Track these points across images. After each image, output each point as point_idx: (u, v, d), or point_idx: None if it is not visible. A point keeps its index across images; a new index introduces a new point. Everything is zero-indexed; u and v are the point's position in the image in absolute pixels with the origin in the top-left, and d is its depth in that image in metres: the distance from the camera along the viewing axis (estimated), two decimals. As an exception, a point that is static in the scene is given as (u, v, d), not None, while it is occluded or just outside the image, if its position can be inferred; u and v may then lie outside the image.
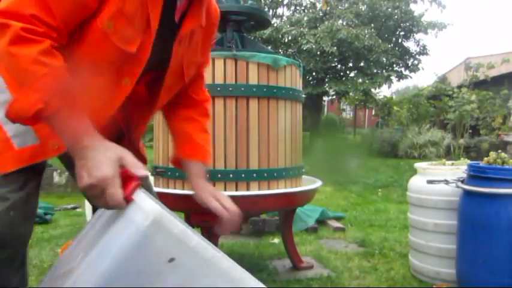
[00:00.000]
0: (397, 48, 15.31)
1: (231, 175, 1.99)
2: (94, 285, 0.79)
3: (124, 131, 1.22)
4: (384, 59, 14.06)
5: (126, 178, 0.85)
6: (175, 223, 0.83)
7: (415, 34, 15.51)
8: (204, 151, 1.28)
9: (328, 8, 13.98)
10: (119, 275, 0.80)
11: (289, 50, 13.75)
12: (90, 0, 0.89)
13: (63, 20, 0.86)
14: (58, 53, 0.85)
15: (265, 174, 2.04)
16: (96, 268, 0.81)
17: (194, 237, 0.85)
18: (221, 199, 1.16)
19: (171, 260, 0.82)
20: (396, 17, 14.91)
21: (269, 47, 4.12)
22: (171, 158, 1.34)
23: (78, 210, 4.10)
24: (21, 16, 0.79)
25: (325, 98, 17.97)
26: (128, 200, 0.83)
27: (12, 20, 0.79)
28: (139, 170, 0.81)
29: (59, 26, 0.85)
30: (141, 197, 0.84)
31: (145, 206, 0.82)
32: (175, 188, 2.03)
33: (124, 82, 1.00)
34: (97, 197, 0.81)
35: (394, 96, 17.85)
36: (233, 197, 1.22)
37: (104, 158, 0.80)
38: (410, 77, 22.96)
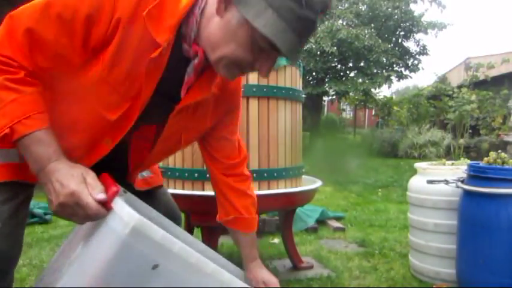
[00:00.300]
0: (397, 48, 15.32)
1: (231, 175, 1.99)
2: None
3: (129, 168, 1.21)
4: (384, 59, 14.07)
5: (108, 184, 0.84)
6: (156, 230, 0.81)
7: (415, 34, 15.53)
8: (250, 222, 1.26)
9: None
10: (102, 285, 0.79)
11: (289, 50, 13.72)
12: (74, 55, 0.88)
13: (41, 67, 0.87)
14: (34, 81, 0.87)
15: (265, 174, 2.04)
16: (78, 280, 0.80)
17: (177, 243, 0.84)
18: None
19: (155, 266, 0.81)
20: (396, 17, 14.92)
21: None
22: (218, 217, 1.30)
23: (78, 210, 4.10)
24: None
25: (325, 98, 17.98)
26: (107, 208, 0.81)
27: None
28: (97, 193, 0.80)
29: (34, 70, 0.86)
30: (119, 205, 0.82)
31: (123, 215, 0.80)
32: (175, 188, 2.03)
33: (105, 141, 0.99)
34: (72, 214, 0.81)
35: (394, 96, 17.86)
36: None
37: (69, 175, 0.81)
38: (410, 77, 23.00)
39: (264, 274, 1.22)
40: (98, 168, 0.99)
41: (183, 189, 2.01)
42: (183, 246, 0.84)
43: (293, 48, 0.88)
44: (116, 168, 1.01)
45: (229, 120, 1.21)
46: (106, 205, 0.81)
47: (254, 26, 0.83)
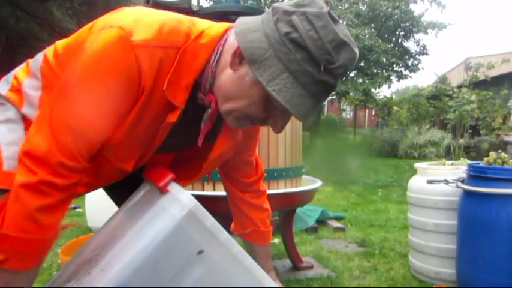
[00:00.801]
0: (397, 48, 15.32)
1: (231, 175, 1.99)
2: (123, 270, 0.81)
3: None
4: (384, 59, 14.08)
5: (163, 172, 0.89)
6: (208, 216, 0.85)
7: (415, 34, 15.53)
8: (266, 234, 1.28)
9: (328, 8, 13.97)
10: (148, 262, 0.82)
11: (289, 50, 13.71)
12: (106, 134, 0.87)
13: (85, 158, 0.86)
14: (61, 209, 0.86)
15: (265, 175, 2.04)
16: (126, 254, 0.83)
17: (224, 232, 0.87)
18: None
19: (200, 252, 0.84)
20: (396, 17, 14.93)
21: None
22: (232, 227, 1.32)
23: (78, 210, 4.10)
24: (48, 165, 0.82)
25: (325, 98, 17.96)
26: (163, 191, 0.87)
27: (39, 167, 0.81)
28: None
29: (83, 165, 0.86)
30: (177, 189, 0.87)
31: (182, 198, 0.85)
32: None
33: (114, 171, 0.99)
34: None
35: (394, 96, 17.85)
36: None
37: None
38: (410, 77, 22.98)
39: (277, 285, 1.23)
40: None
41: (183, 189, 2.01)
42: (228, 236, 0.87)
43: (309, 112, 0.85)
44: (131, 182, 1.02)
45: (250, 144, 1.19)
46: (162, 189, 0.86)
47: (267, 90, 0.81)
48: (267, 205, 1.30)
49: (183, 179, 1.09)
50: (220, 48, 0.88)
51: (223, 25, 0.92)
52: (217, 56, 0.88)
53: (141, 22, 0.84)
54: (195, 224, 0.83)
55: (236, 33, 0.84)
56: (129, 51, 0.80)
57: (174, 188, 0.88)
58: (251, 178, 1.24)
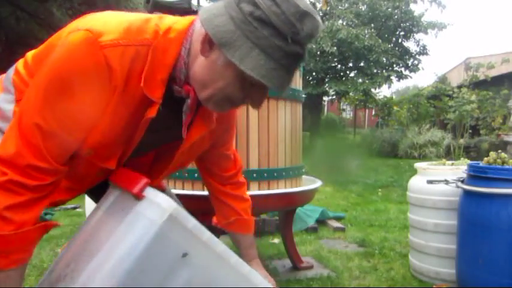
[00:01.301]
0: (397, 48, 15.30)
1: (231, 175, 1.99)
2: (107, 282, 0.79)
3: None
4: (384, 59, 14.06)
5: (135, 176, 0.87)
6: (189, 218, 0.84)
7: (415, 34, 15.50)
8: (249, 223, 1.31)
9: (328, 8, 13.98)
10: (133, 272, 0.80)
11: (289, 50, 13.70)
12: (79, 135, 0.88)
13: (57, 160, 0.87)
14: (35, 207, 0.86)
15: (265, 175, 2.04)
16: (108, 266, 0.81)
17: (206, 232, 0.86)
18: None
19: (184, 255, 0.83)
20: (396, 17, 14.91)
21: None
22: (215, 221, 1.34)
23: (78, 210, 4.10)
24: (17, 167, 0.83)
25: (325, 98, 17.98)
26: (138, 197, 0.84)
27: (9, 168, 0.82)
28: None
29: (55, 166, 0.86)
30: (153, 194, 0.85)
31: (161, 202, 0.83)
32: (174, 188, 2.03)
33: (98, 172, 1.00)
34: None
35: (394, 96, 17.84)
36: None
37: None
38: (410, 77, 22.97)
39: (262, 273, 1.23)
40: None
41: (183, 189, 2.01)
42: (211, 236, 0.87)
43: (283, 83, 0.88)
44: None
45: (226, 138, 1.23)
46: (137, 195, 0.84)
47: (241, 69, 0.83)
48: (247, 196, 1.34)
49: (154, 172, 1.11)
50: (189, 39, 0.91)
51: (189, 18, 0.95)
52: (188, 47, 0.91)
53: (109, 23, 0.86)
54: (176, 227, 0.82)
55: (202, 21, 0.86)
56: (97, 52, 0.82)
57: (150, 193, 0.85)
58: (230, 171, 1.28)
